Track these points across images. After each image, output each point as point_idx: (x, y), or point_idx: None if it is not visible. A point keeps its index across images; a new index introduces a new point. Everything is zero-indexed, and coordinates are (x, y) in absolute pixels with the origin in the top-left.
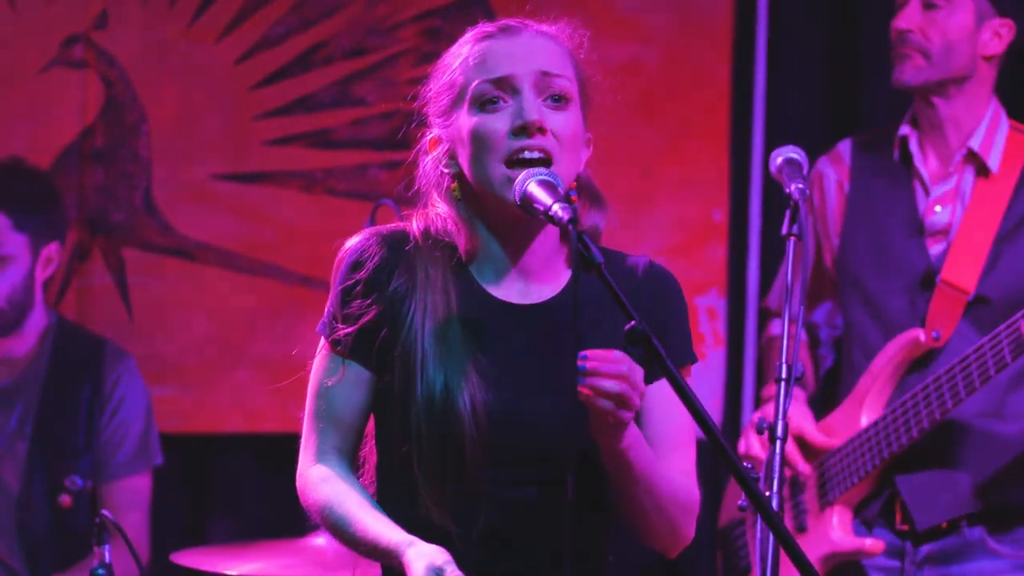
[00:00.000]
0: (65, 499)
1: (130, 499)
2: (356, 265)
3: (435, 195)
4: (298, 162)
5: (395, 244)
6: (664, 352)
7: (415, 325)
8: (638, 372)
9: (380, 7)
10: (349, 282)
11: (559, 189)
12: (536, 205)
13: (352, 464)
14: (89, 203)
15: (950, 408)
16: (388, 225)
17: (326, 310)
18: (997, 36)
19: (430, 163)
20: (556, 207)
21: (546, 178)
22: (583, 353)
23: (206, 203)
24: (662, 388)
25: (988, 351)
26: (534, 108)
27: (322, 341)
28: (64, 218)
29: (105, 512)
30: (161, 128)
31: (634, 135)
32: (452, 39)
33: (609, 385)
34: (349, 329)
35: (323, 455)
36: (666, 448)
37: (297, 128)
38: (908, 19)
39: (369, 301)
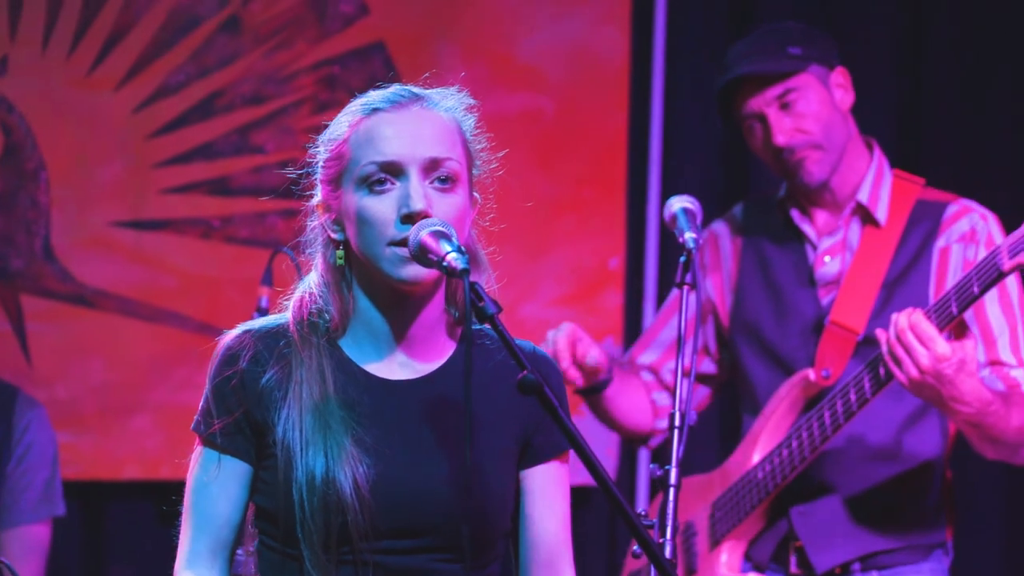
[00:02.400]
0: None
1: (29, 547)
2: (229, 360)
3: (318, 260)
4: (197, 210)
5: (269, 336)
6: (556, 402)
7: (292, 411)
8: None
9: (278, 55)
10: (222, 377)
11: (453, 240)
12: (431, 255)
13: (226, 562)
14: None
15: (829, 435)
16: (262, 319)
17: (200, 407)
18: (843, 87)
19: (317, 226)
20: (451, 256)
21: (440, 228)
22: None
23: (105, 250)
24: (546, 475)
25: (852, 384)
26: (420, 196)
27: (197, 440)
28: None
29: (2, 559)
30: (60, 175)
31: (531, 183)
32: (350, 88)
33: None
34: (224, 421)
35: (193, 561)
36: (557, 556)
37: (196, 176)
38: (781, 131)
39: (243, 394)
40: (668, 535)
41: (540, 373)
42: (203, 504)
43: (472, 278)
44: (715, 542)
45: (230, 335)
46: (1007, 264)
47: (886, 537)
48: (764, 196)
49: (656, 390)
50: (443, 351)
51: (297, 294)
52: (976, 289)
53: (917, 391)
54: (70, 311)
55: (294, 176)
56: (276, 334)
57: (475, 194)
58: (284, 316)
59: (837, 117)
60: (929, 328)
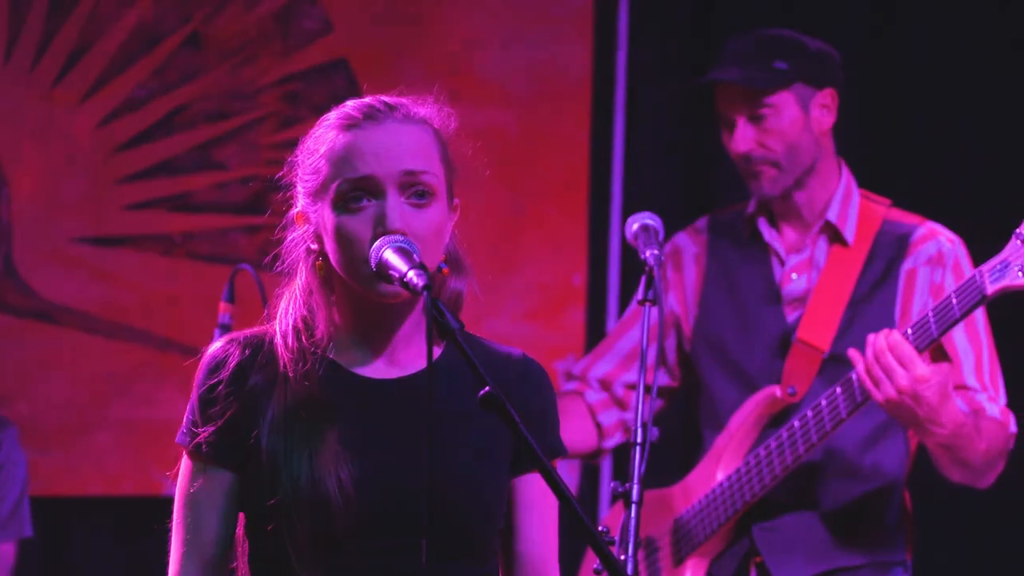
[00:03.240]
0: None
1: None
2: (213, 370)
3: (301, 269)
4: (159, 226)
5: (253, 344)
6: (518, 418)
7: (277, 414)
8: None
9: (241, 72)
10: (206, 387)
11: (415, 256)
12: (391, 272)
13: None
14: None
15: (802, 455)
16: (247, 329)
17: (184, 420)
18: (825, 108)
19: (297, 238)
20: (411, 274)
21: (402, 245)
22: None
23: (67, 266)
24: (533, 485)
25: (825, 404)
26: (397, 215)
27: (183, 453)
28: None
29: None
30: (22, 191)
31: (493, 200)
32: (313, 104)
33: None
34: (210, 430)
35: None
36: (541, 571)
37: (158, 192)
38: (743, 141)
39: (229, 402)
40: (630, 552)
41: (532, 382)
42: (192, 518)
43: (455, 284)
44: (679, 559)
45: (215, 345)
46: (990, 288)
47: (847, 554)
48: (732, 210)
49: (603, 410)
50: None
51: (283, 303)
52: (957, 312)
53: (894, 412)
54: (31, 327)
55: (269, 188)
56: (261, 342)
57: (456, 200)
58: (269, 326)
59: (806, 139)
60: (908, 349)
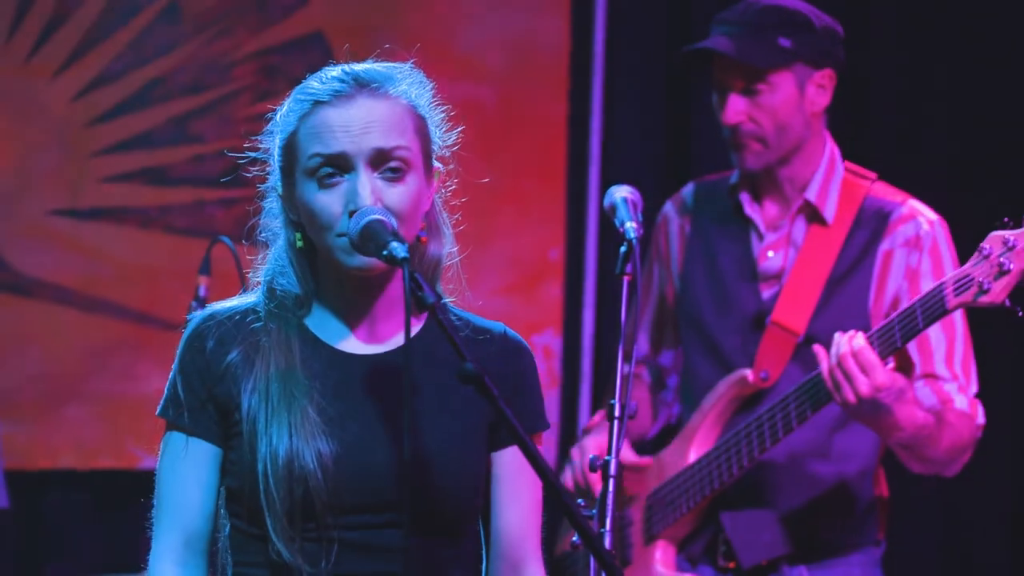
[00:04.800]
0: None
1: None
2: (195, 340)
3: (280, 238)
4: (135, 199)
5: (235, 316)
6: (496, 391)
7: (258, 383)
8: None
9: (218, 44)
10: (188, 358)
11: (392, 228)
12: (369, 244)
13: (201, 555)
14: None
15: (768, 447)
16: (229, 300)
17: (165, 393)
18: (821, 88)
19: (275, 209)
20: (392, 245)
21: (379, 217)
22: None
23: (42, 239)
24: (512, 460)
25: (792, 399)
26: (368, 192)
27: (164, 425)
28: None
29: None
30: None
31: (469, 174)
32: (289, 77)
33: None
34: (191, 403)
35: (167, 554)
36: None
37: (134, 165)
38: (734, 113)
39: (209, 372)
40: (608, 526)
41: (513, 356)
42: (174, 491)
43: (434, 250)
44: (650, 537)
45: (197, 317)
46: (952, 302)
47: (817, 535)
48: (716, 179)
49: (655, 392)
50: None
51: (264, 274)
52: (920, 323)
53: (853, 415)
54: (6, 300)
55: (243, 162)
56: (243, 313)
57: (436, 165)
58: (250, 297)
59: (798, 119)
60: (871, 356)
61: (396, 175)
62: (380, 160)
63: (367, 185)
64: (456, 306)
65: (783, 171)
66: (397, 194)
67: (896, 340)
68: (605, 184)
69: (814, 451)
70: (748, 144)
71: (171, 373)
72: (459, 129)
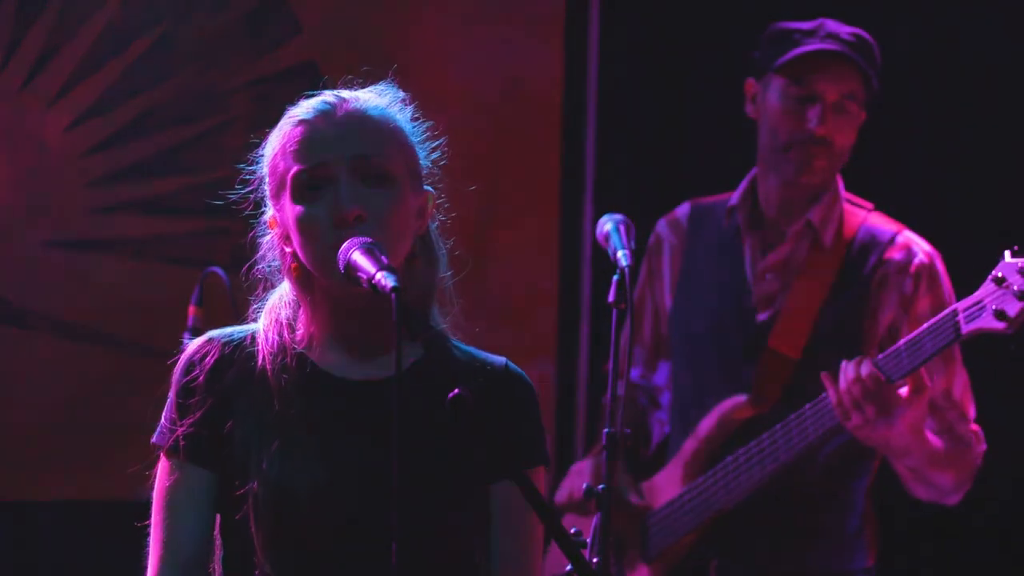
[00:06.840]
0: None
1: None
2: (190, 367)
3: (280, 274)
4: (128, 229)
5: (231, 343)
6: (487, 424)
7: (251, 411)
8: None
9: (210, 74)
10: (184, 385)
11: (382, 257)
12: (359, 274)
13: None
14: None
15: (769, 472)
16: (225, 328)
17: (162, 419)
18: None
19: (272, 242)
20: (379, 275)
21: (369, 246)
22: None
23: (35, 270)
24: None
25: (794, 424)
26: (350, 198)
27: (161, 453)
28: None
29: None
30: None
31: (464, 202)
32: (282, 107)
33: None
34: (187, 428)
35: None
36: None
37: (128, 195)
38: (825, 125)
39: (205, 399)
40: (603, 554)
41: (514, 390)
42: (169, 518)
43: (426, 275)
44: (648, 559)
45: (194, 343)
46: (965, 328)
47: (807, 561)
48: (713, 201)
49: (650, 413)
50: (406, 354)
51: (268, 305)
52: (930, 349)
53: (863, 440)
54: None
55: (234, 196)
56: (240, 341)
57: (428, 189)
58: (251, 325)
59: (855, 139)
60: (879, 381)
61: (380, 183)
62: (362, 168)
63: (350, 191)
64: (453, 336)
65: (794, 193)
66: (381, 200)
67: (904, 364)
68: (599, 213)
69: (805, 477)
70: (821, 156)
71: (168, 400)
72: (447, 152)
